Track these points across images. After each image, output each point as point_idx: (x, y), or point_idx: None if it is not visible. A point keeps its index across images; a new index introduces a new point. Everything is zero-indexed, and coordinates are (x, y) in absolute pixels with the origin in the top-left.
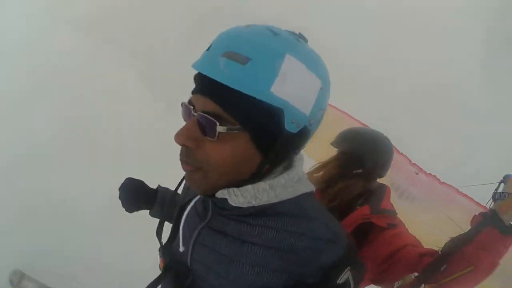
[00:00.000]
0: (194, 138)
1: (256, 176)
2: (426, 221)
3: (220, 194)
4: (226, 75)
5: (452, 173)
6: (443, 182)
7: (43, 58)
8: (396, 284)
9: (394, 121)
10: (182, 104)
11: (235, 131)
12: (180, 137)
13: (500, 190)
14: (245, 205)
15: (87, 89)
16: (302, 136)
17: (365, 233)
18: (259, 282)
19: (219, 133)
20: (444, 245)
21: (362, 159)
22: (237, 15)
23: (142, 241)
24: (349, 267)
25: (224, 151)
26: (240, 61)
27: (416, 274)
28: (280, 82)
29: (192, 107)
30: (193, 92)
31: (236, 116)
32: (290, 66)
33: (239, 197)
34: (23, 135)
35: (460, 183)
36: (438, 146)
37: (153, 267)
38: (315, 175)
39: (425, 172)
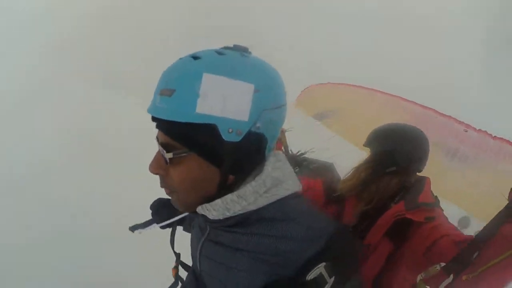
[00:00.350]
0: (161, 167)
1: (223, 189)
2: (483, 182)
3: (198, 211)
4: (160, 109)
5: None
6: (495, 137)
7: (43, 58)
8: (419, 277)
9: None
10: (156, 138)
11: (184, 154)
12: (150, 168)
13: None
14: (221, 217)
15: (88, 88)
16: (252, 141)
17: (403, 230)
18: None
19: (170, 158)
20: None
21: (394, 157)
22: (237, 14)
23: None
24: (323, 263)
25: (182, 173)
26: (167, 94)
27: (442, 264)
28: (202, 101)
29: (157, 141)
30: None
31: (181, 141)
32: (209, 83)
33: (212, 211)
34: (23, 135)
35: None
36: None
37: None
38: (348, 182)
39: (475, 128)
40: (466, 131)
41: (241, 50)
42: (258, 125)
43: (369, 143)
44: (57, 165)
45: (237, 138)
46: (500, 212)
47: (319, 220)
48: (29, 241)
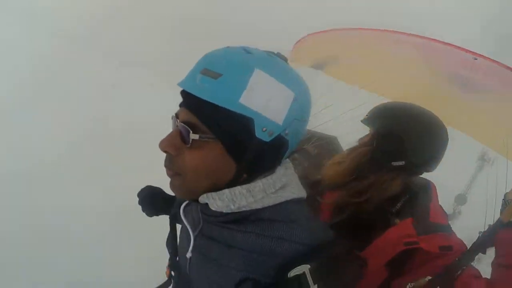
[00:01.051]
0: (175, 146)
1: (234, 184)
2: (500, 112)
3: (201, 199)
4: (200, 88)
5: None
6: (508, 66)
7: (44, 58)
8: (409, 285)
9: None
10: (172, 116)
11: (209, 139)
12: (163, 144)
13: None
14: (224, 209)
15: (89, 88)
16: (277, 145)
17: (408, 257)
18: (246, 286)
19: (193, 140)
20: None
21: (406, 147)
22: (236, 16)
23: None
24: (308, 266)
25: (199, 157)
26: (212, 76)
27: (429, 277)
28: (248, 93)
29: (177, 118)
30: (179, 106)
31: (209, 125)
32: (259, 79)
33: (217, 201)
34: (23, 134)
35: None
36: None
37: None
38: (336, 166)
39: (484, 56)
40: (476, 59)
41: (283, 59)
42: (287, 131)
43: (370, 120)
44: (57, 165)
45: (267, 138)
46: (492, 225)
47: (319, 227)
48: (29, 239)
